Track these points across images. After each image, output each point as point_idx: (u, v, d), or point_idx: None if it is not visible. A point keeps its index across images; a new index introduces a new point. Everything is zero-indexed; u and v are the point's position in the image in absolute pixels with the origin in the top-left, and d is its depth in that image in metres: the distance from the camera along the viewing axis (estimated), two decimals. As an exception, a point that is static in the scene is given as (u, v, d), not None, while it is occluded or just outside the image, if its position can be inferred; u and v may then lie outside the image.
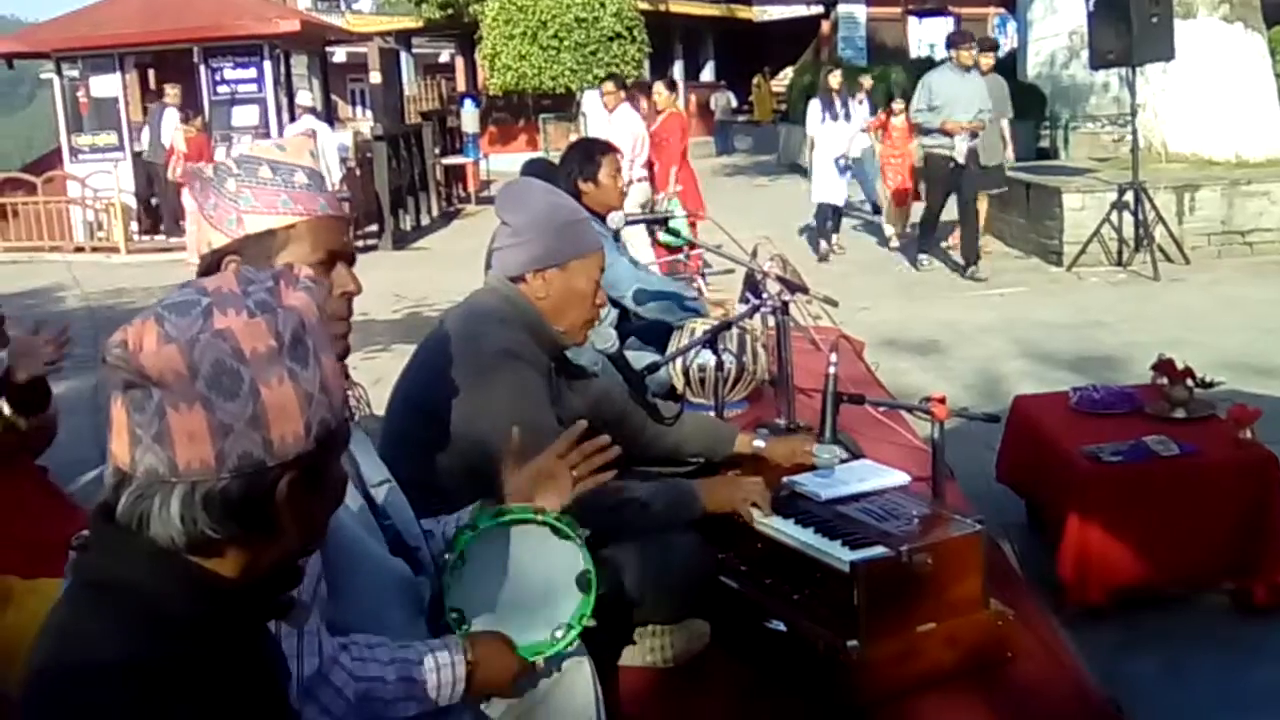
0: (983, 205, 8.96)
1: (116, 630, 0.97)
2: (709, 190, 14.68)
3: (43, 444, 2.62)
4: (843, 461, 2.29)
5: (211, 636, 0.99)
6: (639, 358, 2.94)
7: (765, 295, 3.12)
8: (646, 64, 20.92)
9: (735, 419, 3.08)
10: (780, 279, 3.13)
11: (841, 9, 24.33)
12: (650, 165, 8.42)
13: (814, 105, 9.92)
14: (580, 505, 1.69)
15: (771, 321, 3.24)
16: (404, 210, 13.60)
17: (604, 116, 8.76)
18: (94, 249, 13.26)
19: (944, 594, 1.90)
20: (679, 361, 3.21)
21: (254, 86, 13.92)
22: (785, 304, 3.07)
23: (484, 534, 1.55)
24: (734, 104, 24.53)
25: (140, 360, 0.95)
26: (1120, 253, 8.51)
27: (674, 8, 23.94)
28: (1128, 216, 8.37)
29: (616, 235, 3.70)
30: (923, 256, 9.07)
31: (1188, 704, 2.80)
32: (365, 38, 19.72)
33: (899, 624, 1.87)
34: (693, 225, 7.38)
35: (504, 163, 17.83)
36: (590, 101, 9.63)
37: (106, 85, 13.97)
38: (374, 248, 12.55)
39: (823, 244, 9.83)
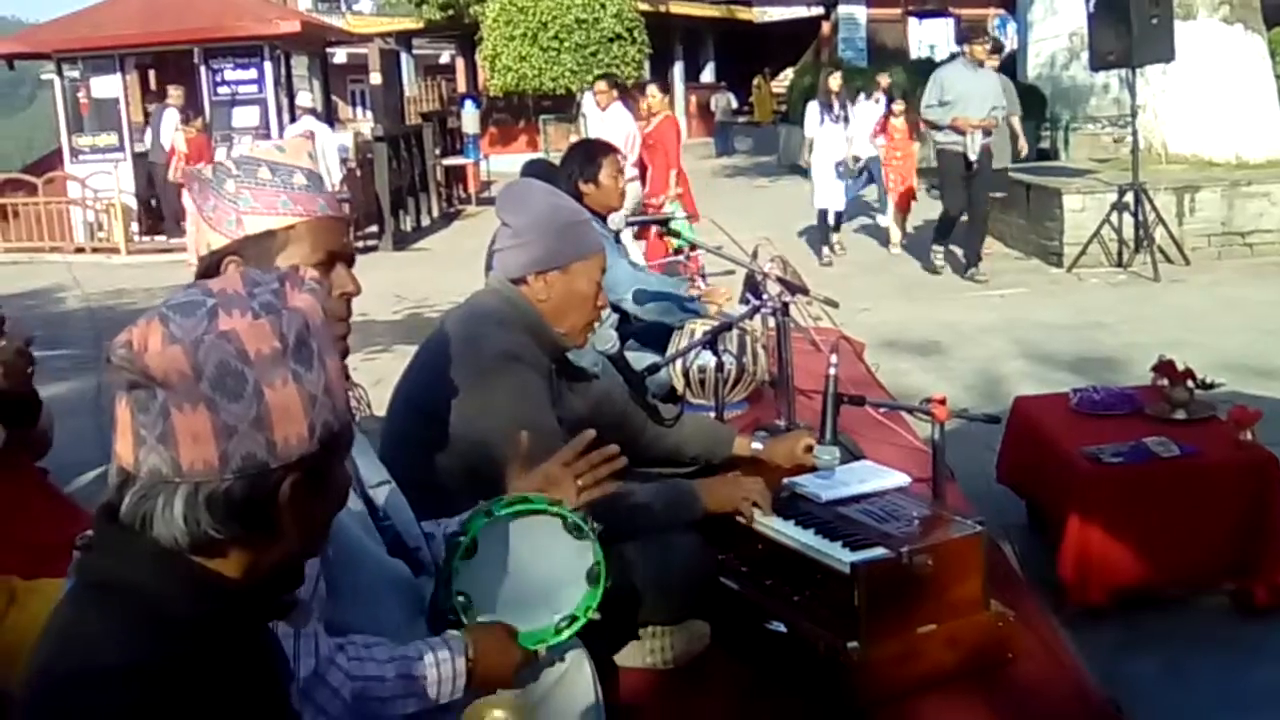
0: None
1: (119, 631, 0.97)
2: (709, 191, 14.69)
3: (41, 448, 2.62)
4: (843, 463, 2.30)
5: (214, 637, 0.99)
6: (638, 359, 2.94)
7: (765, 296, 3.12)
8: (647, 65, 20.93)
9: (735, 420, 3.08)
10: (780, 280, 3.13)
11: (842, 10, 24.31)
12: (642, 166, 8.43)
13: (812, 107, 9.84)
14: (582, 505, 1.69)
15: (772, 322, 3.24)
16: (404, 211, 13.60)
17: (598, 115, 8.84)
18: (94, 250, 13.27)
19: (944, 595, 1.90)
20: (679, 362, 3.21)
21: (254, 87, 13.92)
22: (785, 305, 3.07)
23: (498, 520, 1.55)
24: (734, 105, 24.53)
25: (145, 361, 0.95)
26: (1120, 254, 8.52)
27: (674, 9, 23.95)
28: (1128, 218, 8.37)
29: (617, 236, 3.70)
30: (937, 255, 8.81)
31: (1188, 704, 2.80)
32: (366, 39, 19.75)
33: (899, 625, 1.87)
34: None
35: (504, 164, 17.83)
36: (590, 103, 9.68)
37: (107, 86, 13.96)
38: (374, 248, 12.56)
39: (825, 250, 9.80)
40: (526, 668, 1.55)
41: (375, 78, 15.43)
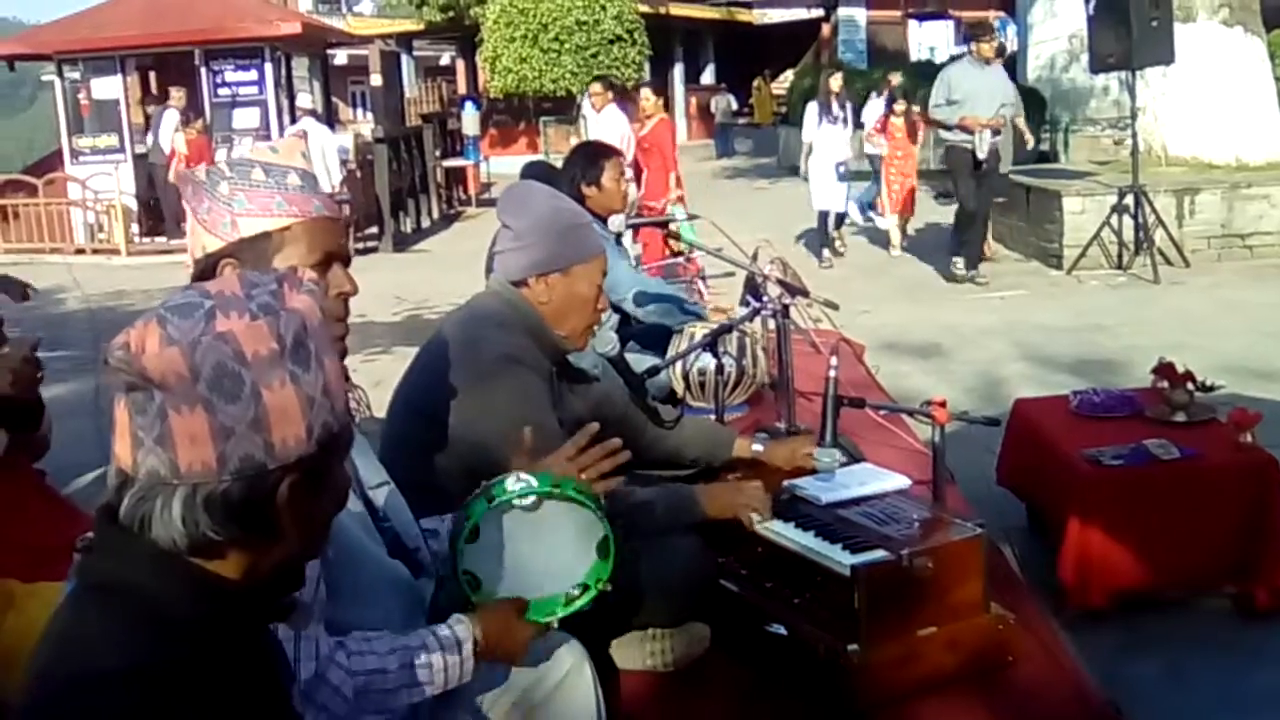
0: None
1: (119, 633, 0.97)
2: (709, 193, 14.70)
3: (40, 450, 2.62)
4: (843, 465, 2.29)
5: (214, 639, 0.99)
6: (638, 361, 2.94)
7: (765, 298, 3.12)
8: (647, 67, 20.94)
9: (735, 422, 3.08)
10: (780, 282, 3.13)
11: (842, 12, 24.34)
12: (637, 169, 8.45)
13: (811, 109, 9.83)
14: None
15: (772, 325, 3.24)
16: (404, 212, 13.61)
17: (595, 117, 8.89)
18: (95, 251, 13.28)
19: (945, 598, 1.90)
20: (679, 365, 3.21)
21: (255, 89, 13.94)
22: (785, 307, 3.07)
23: (498, 507, 1.54)
24: (734, 106, 24.55)
25: (142, 362, 0.95)
26: (1120, 256, 8.52)
27: (674, 11, 23.98)
28: (1128, 220, 8.37)
29: (618, 239, 3.71)
30: (958, 265, 8.46)
31: (1188, 707, 2.80)
32: (366, 40, 19.73)
33: (900, 628, 1.87)
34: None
35: (504, 165, 17.83)
36: (590, 105, 9.74)
37: (107, 87, 13.98)
38: (374, 250, 12.57)
39: (825, 252, 9.80)
40: (539, 638, 1.54)
41: (375, 79, 15.42)
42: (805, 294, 3.23)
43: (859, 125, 10.35)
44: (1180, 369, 3.48)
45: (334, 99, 19.86)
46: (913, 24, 24.74)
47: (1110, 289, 8.08)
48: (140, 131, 13.95)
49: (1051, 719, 1.91)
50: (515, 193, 2.30)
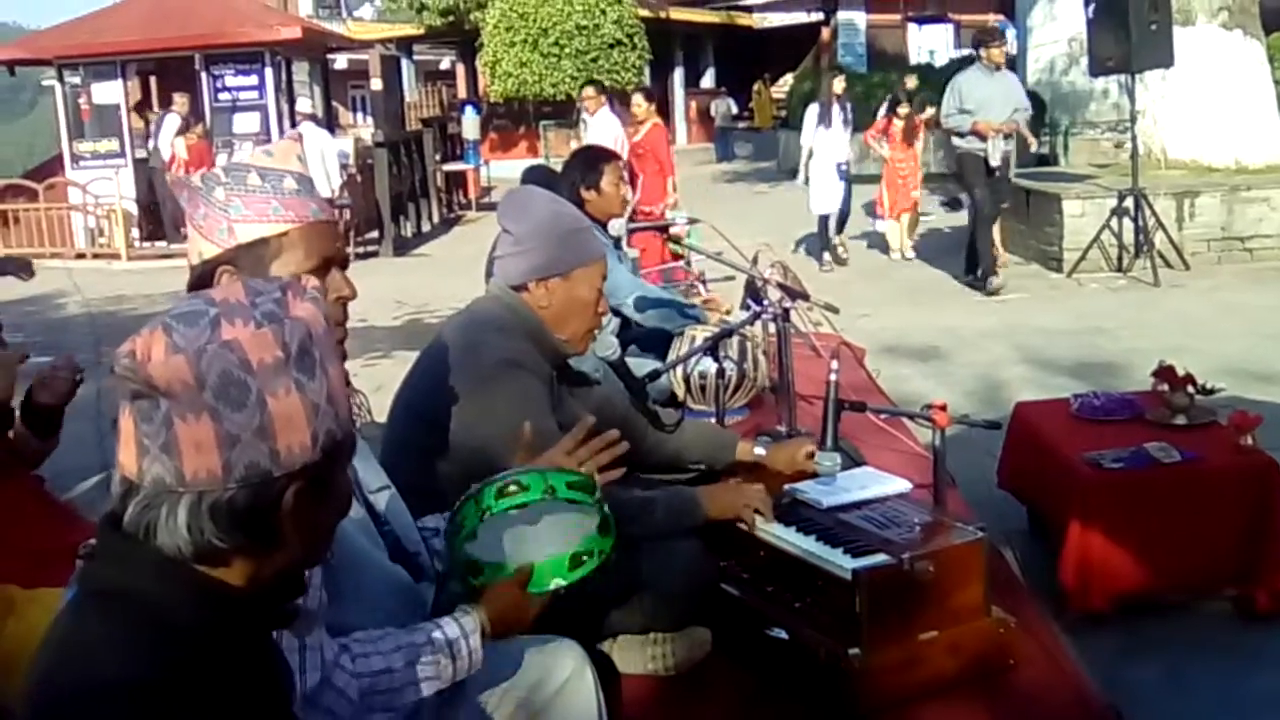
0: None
1: (121, 640, 0.97)
2: (709, 197, 14.71)
3: (41, 456, 2.63)
4: (844, 469, 2.29)
5: (217, 645, 0.99)
6: (639, 365, 2.94)
7: (766, 302, 3.12)
8: (647, 71, 20.97)
9: (736, 426, 3.08)
10: (781, 286, 3.13)
11: (841, 16, 24.34)
12: (631, 173, 8.46)
13: (811, 111, 9.83)
14: None
15: (772, 328, 3.24)
16: (405, 217, 13.62)
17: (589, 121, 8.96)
18: (95, 255, 13.29)
19: (946, 601, 1.90)
20: (680, 368, 3.21)
21: (255, 93, 13.95)
22: (786, 311, 3.07)
23: (492, 516, 1.53)
24: (734, 110, 24.58)
25: (148, 370, 0.95)
26: (1120, 259, 8.52)
27: (674, 15, 24.01)
28: (1128, 223, 8.38)
29: (617, 243, 3.71)
30: (992, 279, 8.12)
31: (1189, 710, 2.80)
32: (366, 45, 19.75)
33: (901, 632, 1.87)
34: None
35: (504, 169, 17.86)
36: (589, 109, 9.80)
37: (108, 92, 13.99)
38: (375, 254, 12.58)
39: (825, 256, 9.80)
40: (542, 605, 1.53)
41: (376, 83, 15.45)
42: (805, 297, 3.23)
43: (859, 128, 10.35)
44: (1180, 372, 3.48)
45: (334, 103, 19.89)
46: (912, 27, 24.76)
47: (1110, 292, 8.08)
48: (140, 137, 13.96)
49: (1052, 723, 1.91)
50: (515, 197, 2.30)
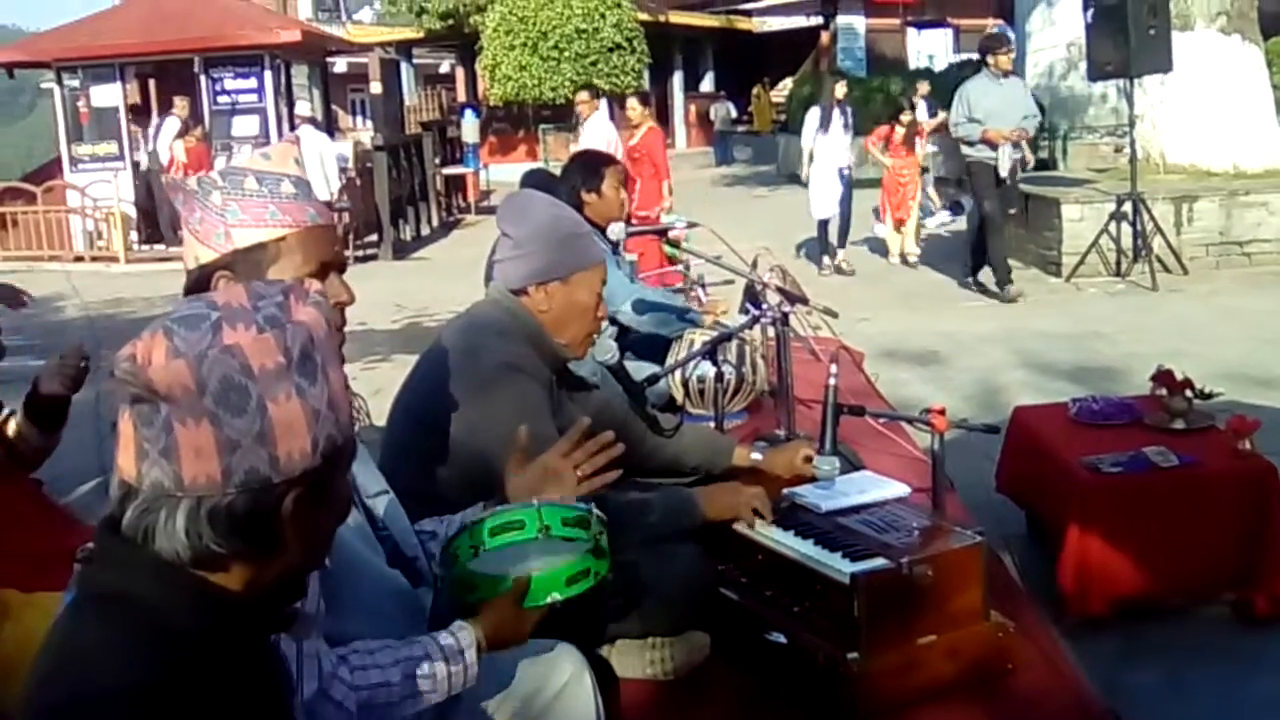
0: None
1: (119, 645, 0.97)
2: (708, 200, 14.72)
3: (40, 459, 2.63)
4: (842, 473, 2.29)
5: (215, 650, 0.99)
6: (638, 369, 2.94)
7: (765, 306, 3.12)
8: (646, 74, 20.98)
9: (735, 430, 3.08)
10: (780, 290, 3.13)
11: (841, 20, 24.39)
12: (629, 178, 8.47)
13: (811, 116, 9.84)
14: (582, 496, 1.69)
15: (771, 332, 3.24)
16: (404, 220, 13.62)
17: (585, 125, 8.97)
18: (93, 258, 13.27)
19: (944, 606, 1.90)
20: (678, 373, 3.21)
21: (254, 96, 13.96)
22: (785, 315, 3.08)
23: (485, 553, 1.52)
24: (733, 114, 24.61)
25: (149, 374, 0.95)
26: (1119, 263, 8.53)
27: (674, 19, 24.02)
28: (1126, 227, 8.38)
29: (616, 248, 3.71)
30: (1009, 286, 8.04)
31: (1188, 715, 2.80)
32: (366, 48, 19.75)
33: (899, 636, 1.87)
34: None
35: (504, 173, 17.87)
36: (590, 113, 9.81)
37: (107, 95, 13.99)
38: (374, 257, 12.58)
39: (825, 260, 9.80)
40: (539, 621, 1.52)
41: (375, 87, 15.44)
42: (804, 301, 3.23)
43: (859, 132, 10.37)
44: (1179, 376, 3.48)
45: (334, 107, 19.89)
46: (911, 32, 24.82)
47: (1109, 296, 8.09)
48: (138, 140, 13.96)
49: (1051, 727, 1.91)
50: (515, 201, 2.30)
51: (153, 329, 0.99)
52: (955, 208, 11.96)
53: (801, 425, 2.95)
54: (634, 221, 7.82)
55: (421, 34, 23.51)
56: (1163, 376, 3.52)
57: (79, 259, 13.25)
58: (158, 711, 0.93)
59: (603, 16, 19.96)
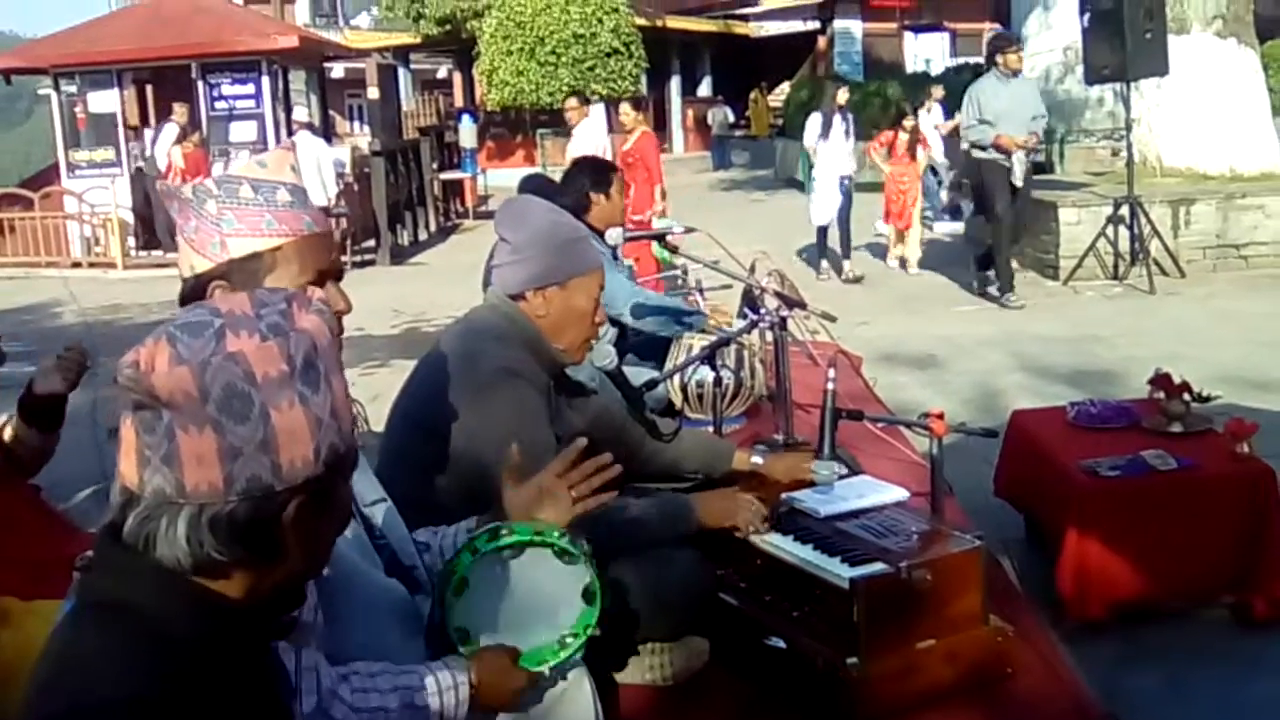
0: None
1: (119, 652, 0.97)
2: (705, 205, 14.72)
3: (39, 464, 2.63)
4: (841, 477, 2.29)
5: (215, 657, 0.99)
6: (636, 374, 2.94)
7: (763, 310, 3.13)
8: (644, 79, 21.00)
9: (733, 435, 3.08)
10: (778, 294, 3.14)
11: (838, 24, 24.43)
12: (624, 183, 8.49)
13: (812, 122, 9.86)
14: (576, 519, 1.69)
15: (769, 337, 3.25)
16: (402, 225, 13.63)
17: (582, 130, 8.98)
18: (91, 264, 13.26)
19: (943, 610, 1.90)
20: (677, 377, 3.22)
21: (252, 102, 13.96)
22: (783, 319, 3.08)
23: (483, 558, 1.54)
24: (731, 119, 24.62)
25: (151, 381, 0.95)
26: (1116, 267, 8.53)
27: (671, 24, 24.06)
28: (1123, 230, 8.39)
29: (614, 252, 3.72)
30: (1012, 299, 7.95)
31: (1187, 718, 2.80)
32: (363, 54, 19.80)
33: (898, 641, 1.87)
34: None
35: (501, 178, 17.90)
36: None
37: (104, 101, 13.99)
38: (371, 263, 12.58)
39: (824, 264, 9.81)
40: (531, 689, 1.54)
41: (373, 92, 15.48)
42: (803, 306, 3.24)
43: (859, 138, 10.39)
44: (1176, 379, 3.49)
45: (331, 112, 19.89)
46: (908, 36, 24.85)
47: (1106, 300, 8.09)
48: (136, 145, 13.96)
49: (1051, 731, 1.91)
50: (513, 206, 2.30)
51: (156, 335, 0.99)
52: (955, 212, 11.98)
53: (800, 430, 2.95)
54: (629, 226, 7.84)
55: (419, 39, 23.53)
56: (1160, 380, 3.52)
57: (76, 265, 13.24)
58: (157, 719, 0.93)
59: (600, 21, 19.98)
